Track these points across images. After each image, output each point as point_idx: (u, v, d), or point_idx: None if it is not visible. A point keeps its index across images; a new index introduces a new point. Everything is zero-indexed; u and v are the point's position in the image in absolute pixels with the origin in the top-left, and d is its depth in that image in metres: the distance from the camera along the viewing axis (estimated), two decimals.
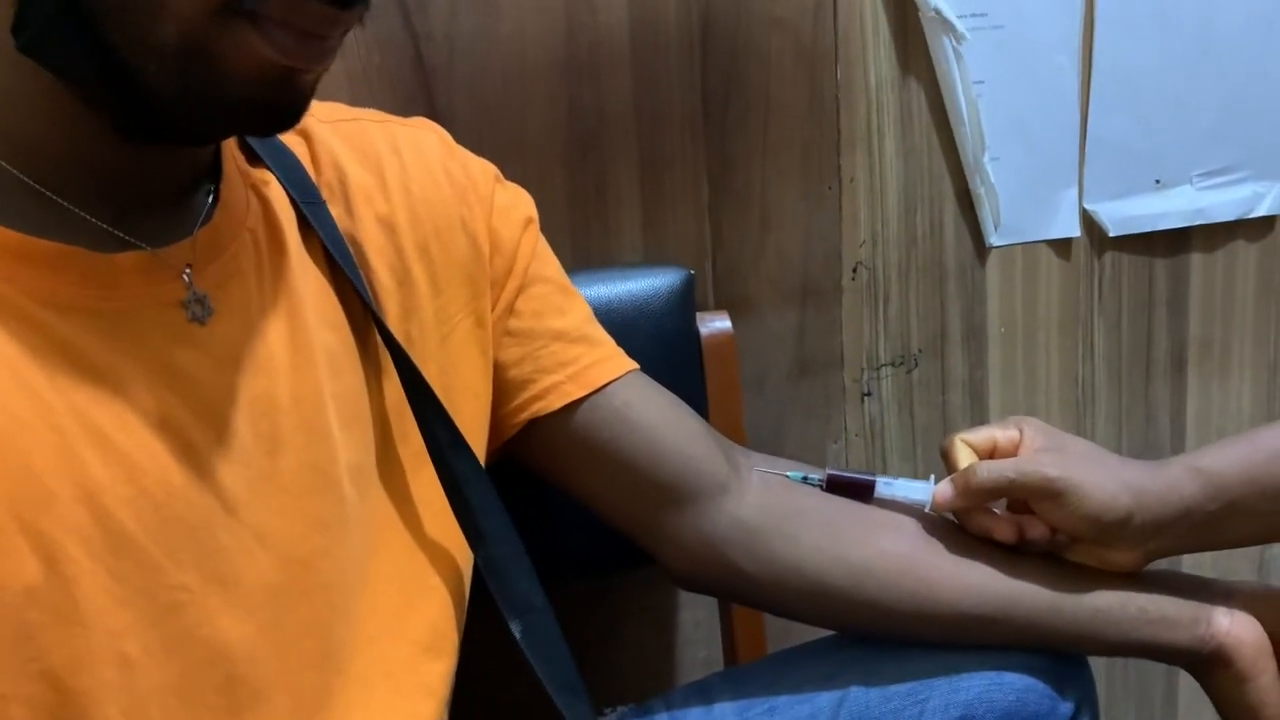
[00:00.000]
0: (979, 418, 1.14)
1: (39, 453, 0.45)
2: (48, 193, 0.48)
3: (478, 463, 0.63)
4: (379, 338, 0.61)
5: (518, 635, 0.64)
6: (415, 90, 0.89)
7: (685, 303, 0.92)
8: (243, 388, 0.53)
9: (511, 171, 0.71)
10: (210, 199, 0.54)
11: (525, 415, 0.68)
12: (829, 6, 0.99)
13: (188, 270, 0.51)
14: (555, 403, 0.68)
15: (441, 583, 0.62)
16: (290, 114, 0.49)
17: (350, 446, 0.58)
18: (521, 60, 0.91)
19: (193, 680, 0.49)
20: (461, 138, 0.69)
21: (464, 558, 0.64)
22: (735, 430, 0.94)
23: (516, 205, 0.69)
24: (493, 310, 0.67)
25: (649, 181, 0.97)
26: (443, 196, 0.65)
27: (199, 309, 0.52)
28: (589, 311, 0.72)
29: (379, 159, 0.64)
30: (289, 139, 0.62)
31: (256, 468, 0.53)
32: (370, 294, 0.61)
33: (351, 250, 0.61)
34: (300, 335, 0.56)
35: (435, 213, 0.64)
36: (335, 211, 0.61)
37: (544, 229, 0.71)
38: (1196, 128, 1.14)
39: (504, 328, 0.68)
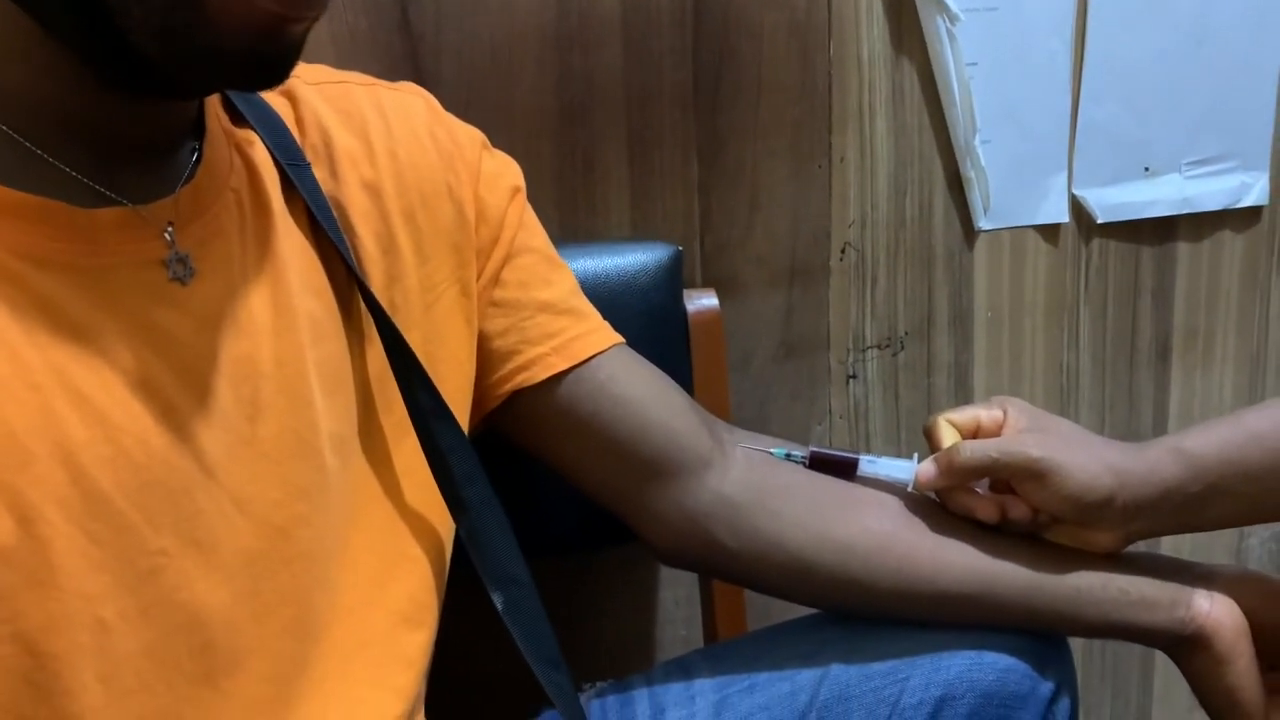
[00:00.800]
0: (963, 402, 1.13)
1: (16, 411, 0.44)
2: (28, 144, 0.46)
3: (461, 432, 0.63)
4: (363, 304, 0.60)
5: (500, 607, 0.63)
6: (401, 56, 0.88)
7: (673, 280, 0.91)
8: (224, 350, 0.52)
9: (498, 141, 0.70)
10: (194, 157, 0.53)
11: (509, 386, 0.67)
12: None
13: (169, 229, 0.50)
14: (540, 374, 0.67)
15: (422, 553, 0.62)
16: (279, 68, 0.48)
17: (332, 414, 0.57)
18: (510, 28, 0.90)
19: (168, 645, 0.48)
20: (448, 104, 0.68)
21: (445, 528, 0.64)
22: (720, 409, 0.93)
23: (504, 174, 0.68)
24: (478, 280, 0.66)
25: (638, 156, 0.96)
26: (429, 162, 0.64)
27: (180, 268, 0.51)
28: (575, 284, 0.71)
29: (365, 123, 0.63)
30: (274, 100, 0.61)
31: (237, 432, 0.52)
32: (354, 260, 0.60)
33: (336, 215, 0.60)
34: (283, 299, 0.55)
35: (421, 179, 0.63)
36: (319, 174, 0.60)
37: (531, 200, 0.70)
38: (1187, 116, 1.14)
39: (489, 298, 0.67)
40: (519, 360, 0.67)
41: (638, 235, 0.98)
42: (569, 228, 0.95)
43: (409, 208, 0.63)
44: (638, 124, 0.96)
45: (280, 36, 0.46)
